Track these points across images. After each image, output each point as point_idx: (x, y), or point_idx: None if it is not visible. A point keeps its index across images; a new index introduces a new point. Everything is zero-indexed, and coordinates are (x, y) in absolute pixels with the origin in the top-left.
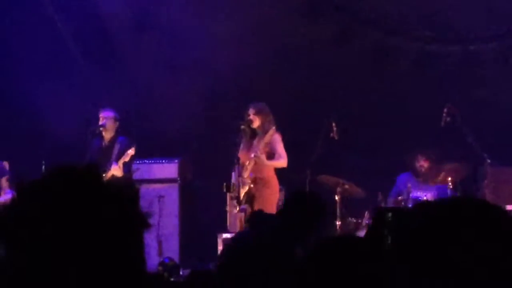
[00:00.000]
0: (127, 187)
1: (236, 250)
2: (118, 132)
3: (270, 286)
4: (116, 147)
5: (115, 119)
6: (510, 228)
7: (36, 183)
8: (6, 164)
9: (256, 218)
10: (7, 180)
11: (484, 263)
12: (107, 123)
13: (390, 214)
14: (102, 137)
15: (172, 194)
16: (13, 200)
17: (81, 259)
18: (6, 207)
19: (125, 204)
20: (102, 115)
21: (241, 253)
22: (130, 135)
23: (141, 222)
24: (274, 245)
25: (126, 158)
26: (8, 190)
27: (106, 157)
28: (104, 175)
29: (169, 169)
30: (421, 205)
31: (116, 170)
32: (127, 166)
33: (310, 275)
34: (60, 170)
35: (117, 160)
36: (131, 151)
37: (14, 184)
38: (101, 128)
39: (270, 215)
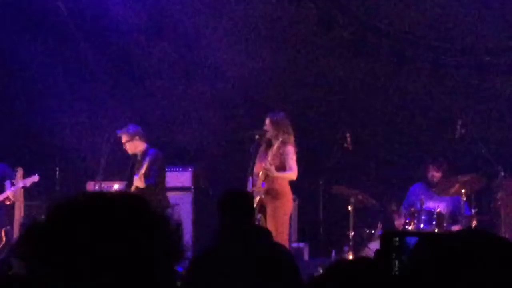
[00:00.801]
0: (172, 221)
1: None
2: (147, 144)
3: None
4: (146, 160)
5: (133, 136)
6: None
7: (77, 206)
8: (20, 170)
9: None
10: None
11: None
12: (126, 145)
13: (397, 239)
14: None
15: (186, 202)
16: (50, 219)
17: (111, 282)
18: (41, 225)
19: (168, 237)
20: (120, 136)
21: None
22: (158, 147)
23: (179, 255)
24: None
25: (143, 170)
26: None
27: (136, 169)
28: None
29: (183, 177)
30: (427, 238)
31: (137, 182)
32: (152, 177)
33: None
34: (99, 196)
35: (147, 173)
36: (146, 163)
37: (49, 202)
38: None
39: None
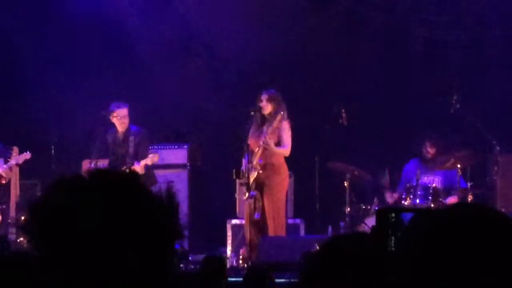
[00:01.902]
0: (169, 198)
1: None
2: (130, 121)
3: None
4: (131, 139)
5: (128, 113)
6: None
7: (79, 183)
8: (15, 149)
9: None
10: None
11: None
12: (122, 120)
13: (393, 215)
14: (115, 128)
15: (182, 179)
16: (51, 194)
17: (116, 259)
18: (44, 202)
19: (165, 213)
20: (116, 112)
21: None
22: (143, 125)
23: (176, 232)
24: None
25: (149, 161)
26: None
27: (122, 148)
28: (124, 168)
29: (179, 154)
30: (422, 213)
31: (138, 169)
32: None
33: (318, 270)
34: (104, 173)
35: (136, 152)
36: (154, 157)
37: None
38: (114, 122)
39: None
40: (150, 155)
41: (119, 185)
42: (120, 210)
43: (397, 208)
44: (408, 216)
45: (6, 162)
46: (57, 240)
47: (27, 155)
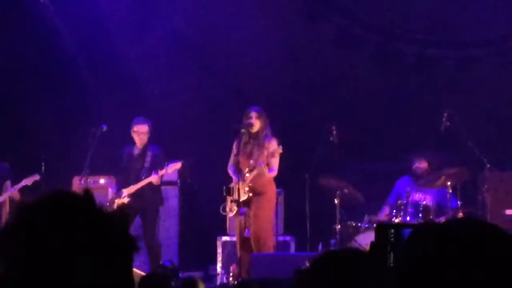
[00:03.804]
0: (118, 213)
1: None
2: (149, 139)
3: None
4: (149, 155)
5: (149, 130)
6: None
7: (35, 205)
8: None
9: None
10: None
11: None
12: (143, 136)
13: (392, 231)
14: (134, 144)
15: (173, 196)
16: (12, 220)
17: (72, 277)
18: (5, 227)
19: (114, 228)
20: (137, 127)
21: None
22: (161, 145)
23: (129, 245)
24: None
25: (169, 170)
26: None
27: (138, 163)
28: (142, 180)
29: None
30: (420, 229)
31: (154, 179)
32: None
33: (313, 285)
34: (57, 195)
35: (152, 168)
36: (176, 165)
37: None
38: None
39: None
40: (171, 164)
41: (70, 206)
42: (72, 230)
43: (397, 224)
44: (407, 232)
45: (12, 183)
46: (15, 263)
47: (36, 177)
